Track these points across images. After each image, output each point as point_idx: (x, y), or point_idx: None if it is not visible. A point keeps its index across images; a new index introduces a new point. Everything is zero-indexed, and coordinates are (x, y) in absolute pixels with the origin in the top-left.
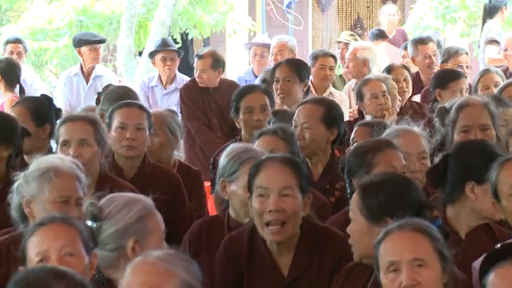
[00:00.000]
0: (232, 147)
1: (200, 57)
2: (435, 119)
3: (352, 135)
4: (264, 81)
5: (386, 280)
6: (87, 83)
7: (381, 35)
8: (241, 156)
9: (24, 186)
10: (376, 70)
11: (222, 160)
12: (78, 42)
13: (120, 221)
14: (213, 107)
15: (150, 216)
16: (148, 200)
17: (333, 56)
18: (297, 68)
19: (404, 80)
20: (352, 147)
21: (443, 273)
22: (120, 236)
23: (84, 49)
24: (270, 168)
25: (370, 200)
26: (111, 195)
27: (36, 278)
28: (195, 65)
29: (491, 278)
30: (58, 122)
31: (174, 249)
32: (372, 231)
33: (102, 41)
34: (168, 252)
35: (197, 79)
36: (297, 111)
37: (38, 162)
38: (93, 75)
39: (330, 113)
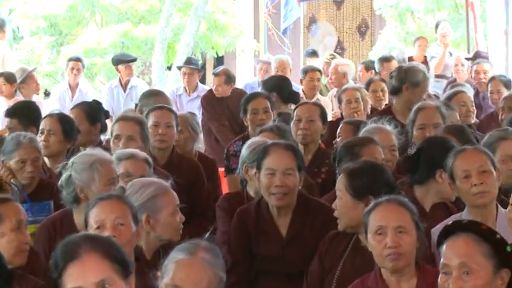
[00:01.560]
0: (253, 140)
1: (216, 74)
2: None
3: (338, 131)
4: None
5: (373, 241)
6: (124, 92)
7: (313, 54)
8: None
9: (76, 177)
10: None
11: (245, 150)
12: (116, 61)
13: (135, 200)
14: (225, 111)
15: (162, 195)
16: (162, 182)
17: (319, 70)
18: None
19: (382, 90)
20: (342, 142)
21: (417, 240)
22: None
23: (120, 67)
24: (276, 153)
25: (356, 181)
26: (134, 180)
27: (71, 239)
28: (212, 80)
29: (443, 248)
30: (114, 119)
31: (211, 245)
32: (357, 206)
33: (133, 60)
34: (211, 252)
35: (214, 91)
36: (299, 109)
37: (82, 157)
38: (129, 86)
39: (323, 113)
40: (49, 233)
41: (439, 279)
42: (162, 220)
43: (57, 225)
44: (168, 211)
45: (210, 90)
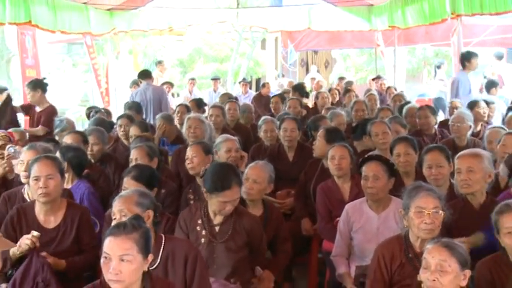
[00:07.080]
0: (264, 118)
1: (263, 85)
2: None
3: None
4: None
5: (329, 162)
6: (215, 93)
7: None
8: None
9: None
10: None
11: (260, 122)
12: (212, 79)
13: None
14: (263, 104)
15: (224, 142)
16: (229, 136)
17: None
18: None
19: (335, 94)
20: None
21: (351, 162)
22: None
23: (212, 81)
24: (287, 120)
25: (331, 134)
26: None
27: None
28: (254, 89)
29: (363, 167)
30: (210, 105)
31: (265, 161)
32: (327, 146)
33: (218, 78)
34: (265, 163)
35: (262, 93)
36: (289, 103)
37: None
38: (218, 92)
39: (301, 103)
40: (177, 155)
41: (361, 182)
42: (223, 154)
43: (182, 152)
44: (226, 148)
45: (259, 93)
